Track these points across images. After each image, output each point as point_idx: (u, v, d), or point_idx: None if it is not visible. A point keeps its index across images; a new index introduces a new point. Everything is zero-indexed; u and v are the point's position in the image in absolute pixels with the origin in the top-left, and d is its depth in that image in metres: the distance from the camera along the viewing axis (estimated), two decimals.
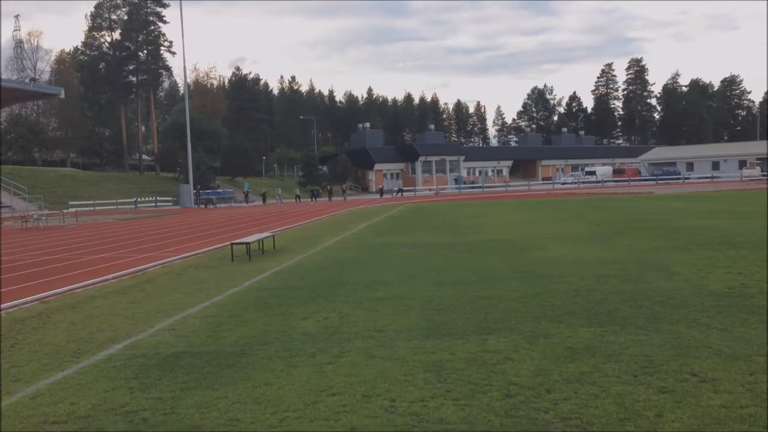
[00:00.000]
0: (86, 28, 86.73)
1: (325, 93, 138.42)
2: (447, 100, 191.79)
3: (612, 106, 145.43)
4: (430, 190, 75.07)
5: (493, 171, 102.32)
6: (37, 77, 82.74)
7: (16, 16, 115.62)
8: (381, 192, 73.19)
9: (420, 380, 5.69)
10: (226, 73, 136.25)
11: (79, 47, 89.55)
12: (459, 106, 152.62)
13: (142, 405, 5.34)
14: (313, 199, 63.60)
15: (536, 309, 8.46)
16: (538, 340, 6.88)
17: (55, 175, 68.71)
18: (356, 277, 11.95)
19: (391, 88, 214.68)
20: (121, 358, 6.91)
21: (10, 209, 50.21)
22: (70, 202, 54.21)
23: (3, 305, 10.39)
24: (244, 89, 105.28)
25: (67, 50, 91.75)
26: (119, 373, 6.30)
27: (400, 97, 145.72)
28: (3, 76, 72.76)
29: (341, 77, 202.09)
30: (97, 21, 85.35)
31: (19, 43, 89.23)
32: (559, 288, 9.91)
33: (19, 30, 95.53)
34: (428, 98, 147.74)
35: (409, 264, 13.53)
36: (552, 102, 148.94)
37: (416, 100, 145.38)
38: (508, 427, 4.62)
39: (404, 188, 75.05)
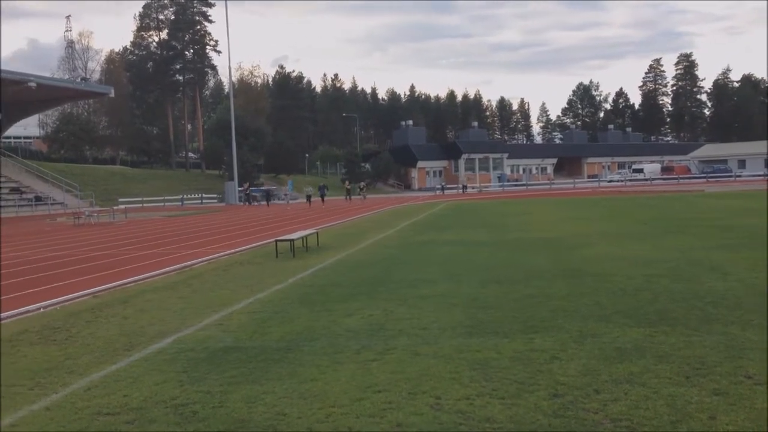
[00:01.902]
0: (135, 28, 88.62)
1: (368, 90, 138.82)
2: (490, 97, 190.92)
3: (660, 102, 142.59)
4: (472, 188, 74.22)
5: (537, 168, 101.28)
6: (87, 77, 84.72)
7: (68, 17, 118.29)
8: (443, 188, 72.02)
9: (466, 378, 5.66)
10: (270, 72, 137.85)
11: (128, 47, 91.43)
12: (503, 103, 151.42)
13: (191, 398, 5.43)
14: (348, 198, 57.77)
15: (583, 308, 8.34)
16: (585, 340, 6.79)
17: (105, 172, 70.32)
18: (400, 275, 11.95)
19: (434, 85, 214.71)
20: (170, 351, 7.03)
21: (62, 206, 51.55)
22: (120, 199, 55.40)
23: (58, 299, 10.67)
24: (287, 87, 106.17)
25: (116, 50, 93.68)
26: (169, 367, 6.42)
27: (442, 94, 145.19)
28: (56, 76, 74.73)
29: (383, 74, 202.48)
30: (145, 21, 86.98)
31: (70, 44, 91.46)
32: (607, 287, 9.76)
33: (71, 30, 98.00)
34: (471, 95, 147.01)
35: (453, 262, 13.48)
36: (598, 98, 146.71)
37: (459, 98, 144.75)
38: (556, 427, 4.57)
39: (466, 185, 73.66)
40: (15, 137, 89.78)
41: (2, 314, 9.53)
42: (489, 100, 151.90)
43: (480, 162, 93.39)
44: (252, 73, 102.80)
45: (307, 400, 5.28)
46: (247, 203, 57.94)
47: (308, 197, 52.96)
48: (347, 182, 62.04)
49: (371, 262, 14.22)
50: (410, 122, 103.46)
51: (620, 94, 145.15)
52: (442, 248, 16.24)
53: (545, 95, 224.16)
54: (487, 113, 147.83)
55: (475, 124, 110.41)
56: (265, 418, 4.90)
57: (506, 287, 10.11)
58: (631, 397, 5.05)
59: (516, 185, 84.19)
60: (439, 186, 74.79)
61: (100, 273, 13.95)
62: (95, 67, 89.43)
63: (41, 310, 9.90)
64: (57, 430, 4.83)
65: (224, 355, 6.79)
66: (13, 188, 52.78)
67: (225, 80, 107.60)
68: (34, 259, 17.05)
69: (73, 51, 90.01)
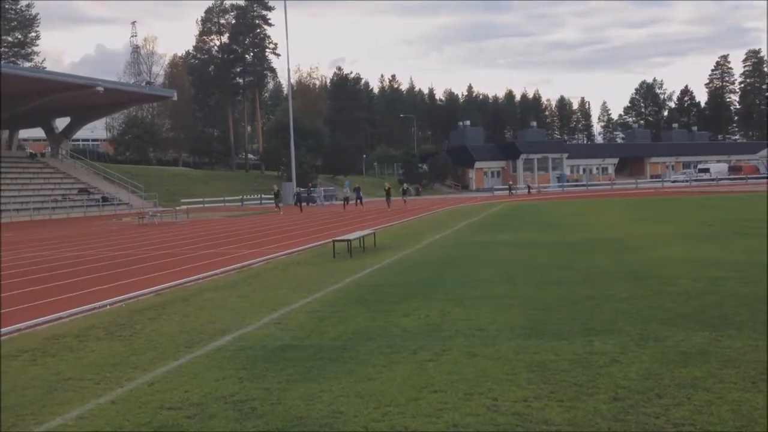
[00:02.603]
0: (197, 32, 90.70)
1: (425, 91, 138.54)
2: (549, 97, 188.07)
3: (727, 100, 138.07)
4: (532, 188, 72.91)
5: (597, 169, 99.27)
6: (152, 81, 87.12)
7: (133, 23, 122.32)
8: (510, 189, 70.42)
9: (523, 380, 5.60)
10: (328, 74, 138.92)
11: (190, 51, 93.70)
12: (562, 102, 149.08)
13: (250, 395, 5.52)
14: (387, 201, 44.87)
15: (645, 311, 8.15)
16: (647, 343, 6.63)
17: (168, 173, 72.18)
18: (457, 275, 11.90)
19: (492, 85, 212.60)
20: (230, 349, 7.17)
21: (128, 206, 53.11)
22: (182, 200, 56.75)
23: (123, 296, 11.00)
24: (345, 89, 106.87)
25: (179, 54, 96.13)
26: (229, 364, 6.54)
27: (501, 94, 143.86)
28: (122, 80, 77.04)
29: (441, 75, 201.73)
30: (207, 25, 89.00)
31: (136, 49, 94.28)
32: (670, 290, 9.51)
33: (136, 36, 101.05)
34: (530, 95, 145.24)
35: (511, 262, 13.35)
36: (662, 96, 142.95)
37: (518, 97, 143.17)
38: (616, 430, 4.48)
39: (531, 185, 71.60)
40: (83, 140, 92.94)
41: (56, 314, 9.88)
42: (548, 100, 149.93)
43: (539, 162, 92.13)
44: (310, 75, 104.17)
45: (364, 399, 5.31)
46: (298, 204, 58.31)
47: (345, 200, 48.61)
48: (403, 184, 53.48)
49: (428, 262, 14.19)
50: (468, 122, 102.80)
51: (685, 92, 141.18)
52: (499, 249, 16.10)
53: (606, 94, 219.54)
54: (546, 113, 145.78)
55: (534, 123, 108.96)
56: (322, 416, 4.95)
57: (565, 289, 9.95)
58: (695, 402, 4.91)
59: (576, 185, 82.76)
60: (506, 186, 73.28)
61: (162, 272, 14.32)
62: (159, 71, 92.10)
63: (107, 307, 10.23)
64: (122, 422, 4.98)
65: (282, 353, 6.88)
66: (82, 189, 54.61)
67: (284, 82, 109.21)
68: (100, 258, 17.61)
69: (138, 56, 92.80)
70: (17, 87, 48.47)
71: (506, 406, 5.00)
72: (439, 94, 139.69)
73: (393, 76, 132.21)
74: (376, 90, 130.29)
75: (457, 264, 13.64)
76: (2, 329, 8.64)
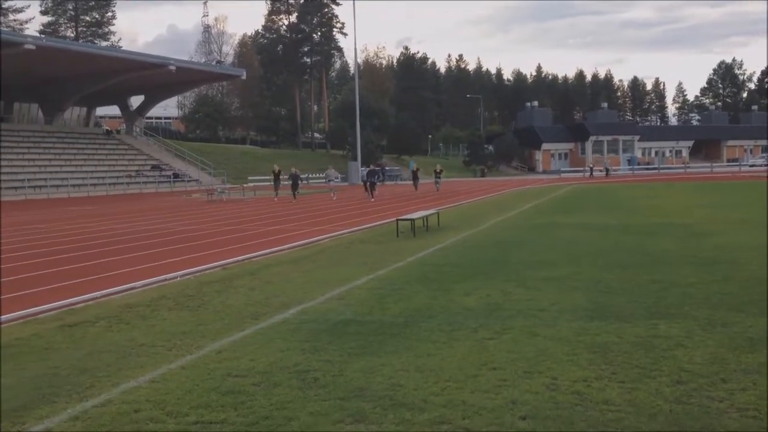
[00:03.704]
0: (266, 12, 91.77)
1: (492, 71, 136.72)
2: (622, 77, 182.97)
3: None
4: (599, 170, 70.35)
5: (671, 151, 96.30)
6: (222, 60, 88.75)
7: (205, 2, 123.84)
8: (591, 171, 66.10)
9: (584, 360, 5.57)
10: (395, 53, 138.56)
11: (259, 31, 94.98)
12: (635, 83, 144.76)
13: (313, 366, 5.67)
14: (414, 184, 40.47)
15: (714, 296, 7.95)
16: (714, 328, 6.48)
17: (237, 151, 73.61)
18: (520, 257, 11.83)
19: (562, 65, 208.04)
20: (294, 322, 7.35)
21: (197, 183, 54.51)
22: (249, 177, 57.83)
23: (192, 269, 11.38)
24: (411, 69, 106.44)
25: (248, 34, 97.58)
26: (292, 336, 6.72)
27: (571, 74, 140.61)
28: (193, 59, 78.70)
29: (509, 55, 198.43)
30: (276, 5, 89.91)
31: (207, 28, 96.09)
32: (741, 276, 9.24)
33: (207, 15, 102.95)
34: (601, 75, 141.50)
35: (576, 245, 13.18)
36: (741, 77, 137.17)
37: (588, 77, 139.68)
38: (677, 413, 4.43)
39: (609, 167, 66.70)
40: (156, 118, 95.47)
41: (135, 283, 10.29)
42: (621, 80, 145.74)
43: (609, 144, 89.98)
44: (377, 55, 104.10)
45: (423, 373, 5.39)
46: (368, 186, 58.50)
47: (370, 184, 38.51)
48: (437, 166, 43.17)
49: (492, 243, 14.14)
50: (536, 103, 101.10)
51: (766, 72, 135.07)
52: (564, 231, 15.89)
53: (682, 74, 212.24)
54: (618, 93, 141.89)
55: (605, 104, 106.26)
56: (382, 388, 5.05)
57: (631, 272, 9.78)
58: (761, 388, 4.80)
59: (647, 169, 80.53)
60: (587, 168, 69.61)
61: (230, 247, 14.71)
62: (229, 51, 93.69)
63: (177, 279, 10.60)
64: (192, 387, 5.20)
65: (344, 327, 7.02)
66: (154, 165, 56.31)
67: (351, 62, 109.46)
68: (171, 232, 18.20)
69: (209, 35, 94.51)
70: (95, 66, 50.23)
71: (566, 385, 5.00)
72: (507, 74, 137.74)
73: (460, 56, 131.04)
74: (442, 70, 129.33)
75: (520, 245, 13.55)
76: (76, 298, 9.08)
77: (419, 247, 13.72)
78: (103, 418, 4.62)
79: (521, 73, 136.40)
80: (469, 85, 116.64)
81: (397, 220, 16.91)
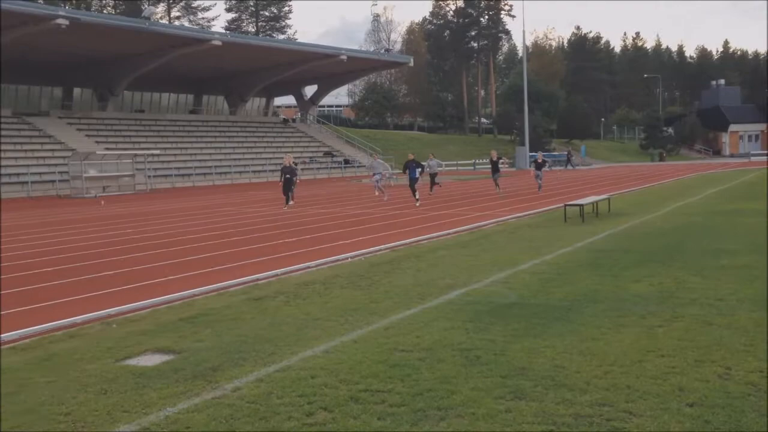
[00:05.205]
0: None
1: (673, 48, 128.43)
2: None
3: None
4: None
5: None
6: (390, 48, 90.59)
7: None
8: None
9: (762, 351, 5.28)
10: (565, 34, 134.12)
11: (426, 17, 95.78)
12: None
13: (476, 345, 5.83)
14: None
15: None
16: None
17: (404, 137, 74.98)
18: (698, 244, 11.25)
19: (754, 40, 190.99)
20: (458, 303, 7.55)
21: (368, 168, 56.22)
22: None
23: (362, 251, 11.92)
24: (583, 49, 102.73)
25: (416, 21, 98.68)
26: (457, 316, 6.92)
27: (763, 49, 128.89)
28: (362, 48, 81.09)
29: (691, 30, 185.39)
30: None
31: (376, 17, 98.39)
32: None
33: (376, 5, 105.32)
34: None
35: (760, 233, 12.26)
36: None
37: None
38: None
39: None
40: (328, 106, 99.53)
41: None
42: None
43: None
44: (546, 36, 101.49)
45: (587, 357, 5.37)
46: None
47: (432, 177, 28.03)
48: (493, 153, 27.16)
49: (668, 229, 13.54)
50: (722, 81, 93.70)
51: None
52: (750, 218, 14.82)
53: None
54: None
55: None
56: (544, 369, 5.11)
57: None
58: None
59: None
60: None
61: (398, 230, 15.18)
62: (397, 38, 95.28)
63: (349, 260, 11.16)
64: (362, 358, 5.55)
65: (508, 309, 7.11)
66: (326, 152, 58.79)
67: (519, 45, 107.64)
68: (343, 216, 19.06)
69: (378, 24, 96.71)
70: (274, 58, 53.29)
71: (740, 375, 4.79)
72: (690, 52, 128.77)
73: (637, 34, 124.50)
74: (617, 49, 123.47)
75: (699, 232, 12.85)
76: (260, 274, 9.86)
77: (588, 232, 13.41)
78: (283, 381, 5.07)
79: (706, 50, 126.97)
80: (646, 64, 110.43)
81: (565, 205, 16.59)
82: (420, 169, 23.85)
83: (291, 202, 22.10)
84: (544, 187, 26.72)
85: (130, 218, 20.55)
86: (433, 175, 27.09)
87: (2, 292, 9.05)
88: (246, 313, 7.43)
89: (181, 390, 4.96)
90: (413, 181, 23.18)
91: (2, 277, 10.27)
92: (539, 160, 26.63)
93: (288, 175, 22.35)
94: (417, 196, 22.42)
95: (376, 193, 26.04)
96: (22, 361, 5.89)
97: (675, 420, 4.07)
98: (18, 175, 36.45)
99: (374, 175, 26.92)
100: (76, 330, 6.95)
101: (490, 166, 26.44)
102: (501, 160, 26.42)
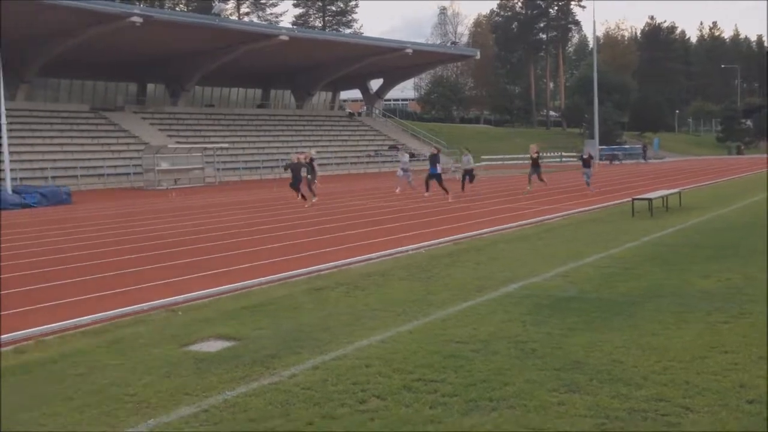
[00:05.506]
0: None
1: (752, 38, 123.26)
2: None
3: None
4: None
5: None
6: (457, 41, 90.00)
7: None
8: None
9: None
10: (638, 24, 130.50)
11: (494, 9, 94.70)
12: None
13: (532, 337, 5.80)
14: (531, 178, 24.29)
15: None
16: None
17: (471, 131, 74.53)
18: None
19: None
20: (516, 296, 7.50)
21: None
22: (482, 156, 58.29)
23: (422, 243, 11.95)
24: (657, 39, 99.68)
25: (483, 13, 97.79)
26: (514, 309, 6.88)
27: None
28: (429, 42, 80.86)
29: None
30: None
31: (443, 10, 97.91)
32: None
33: None
34: None
35: None
36: None
37: None
38: None
39: None
40: (394, 100, 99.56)
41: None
42: None
43: None
44: (618, 27, 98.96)
45: (646, 352, 5.27)
46: (608, 162, 56.43)
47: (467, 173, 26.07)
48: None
49: (742, 224, 13.11)
50: None
51: None
52: None
53: None
54: None
55: None
56: (601, 363, 5.04)
57: None
58: None
59: None
60: None
61: (460, 223, 15.13)
62: (464, 31, 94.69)
63: (408, 252, 11.20)
64: (417, 348, 5.59)
65: (566, 303, 7.03)
66: (392, 146, 58.92)
67: (589, 36, 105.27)
68: (404, 209, 19.10)
69: (444, 17, 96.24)
70: (340, 52, 53.71)
71: None
72: None
73: (714, 23, 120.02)
74: (693, 39, 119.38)
75: None
76: (322, 265, 10.01)
77: (656, 226, 13.09)
78: (338, 369, 5.16)
79: None
80: (724, 55, 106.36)
81: (633, 199, 16.19)
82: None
83: (314, 199, 21.67)
84: (595, 183, 24.28)
85: (202, 209, 21.13)
86: (468, 170, 25.82)
87: (85, 278, 9.50)
88: (306, 303, 7.57)
89: (240, 375, 5.12)
90: (432, 176, 22.82)
91: (80, 264, 10.75)
92: (585, 156, 24.88)
93: (294, 172, 21.60)
94: (446, 189, 21.56)
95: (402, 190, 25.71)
96: (94, 344, 6.17)
97: (733, 416, 3.97)
98: (95, 168, 37.97)
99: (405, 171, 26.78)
100: (143, 316, 7.23)
101: (580, 160, 25.01)
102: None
